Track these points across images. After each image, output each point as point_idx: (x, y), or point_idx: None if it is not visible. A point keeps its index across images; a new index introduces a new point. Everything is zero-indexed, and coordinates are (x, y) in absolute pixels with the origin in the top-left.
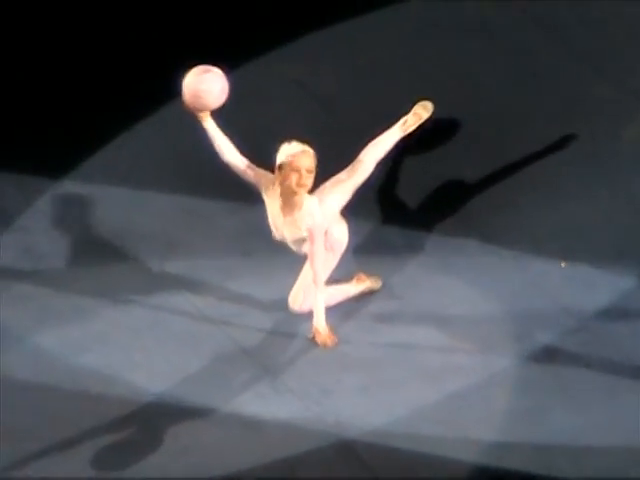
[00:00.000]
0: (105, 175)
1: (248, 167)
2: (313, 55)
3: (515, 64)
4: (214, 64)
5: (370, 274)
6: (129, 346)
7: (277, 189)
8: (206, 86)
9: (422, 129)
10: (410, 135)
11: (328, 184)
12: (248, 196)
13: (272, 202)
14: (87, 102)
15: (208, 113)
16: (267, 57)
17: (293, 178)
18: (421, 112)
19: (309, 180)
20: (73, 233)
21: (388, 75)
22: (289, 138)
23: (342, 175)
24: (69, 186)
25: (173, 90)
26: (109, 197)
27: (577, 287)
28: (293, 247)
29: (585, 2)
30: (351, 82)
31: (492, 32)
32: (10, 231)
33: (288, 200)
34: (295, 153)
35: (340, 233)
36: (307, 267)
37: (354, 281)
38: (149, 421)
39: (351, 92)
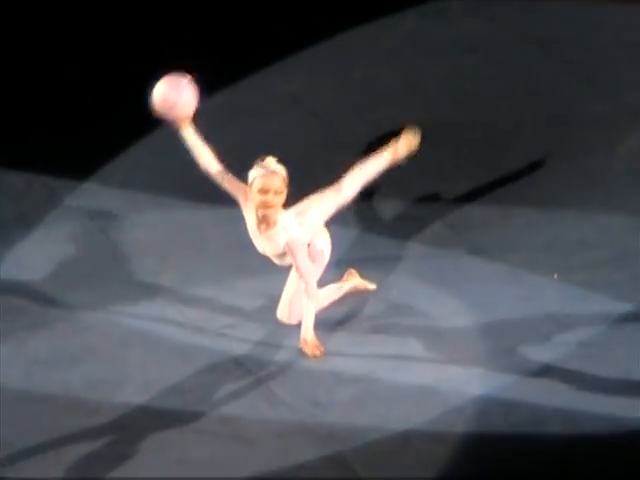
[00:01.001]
0: (100, 188)
1: (226, 179)
2: (308, 70)
3: (508, 79)
4: (210, 78)
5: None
6: (121, 357)
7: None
8: (172, 95)
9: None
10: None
11: (312, 198)
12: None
13: (250, 217)
14: (82, 116)
15: (186, 122)
16: (262, 72)
17: (262, 199)
18: (411, 139)
19: (277, 200)
20: (67, 245)
21: (384, 90)
22: (282, 153)
23: (326, 194)
24: (63, 199)
25: None
26: (104, 210)
27: (572, 301)
28: (276, 261)
29: (579, 18)
30: (347, 97)
31: (487, 48)
32: (3, 243)
33: (262, 217)
34: (264, 174)
35: (322, 244)
36: (291, 279)
37: (345, 276)
38: (141, 433)
39: (347, 107)
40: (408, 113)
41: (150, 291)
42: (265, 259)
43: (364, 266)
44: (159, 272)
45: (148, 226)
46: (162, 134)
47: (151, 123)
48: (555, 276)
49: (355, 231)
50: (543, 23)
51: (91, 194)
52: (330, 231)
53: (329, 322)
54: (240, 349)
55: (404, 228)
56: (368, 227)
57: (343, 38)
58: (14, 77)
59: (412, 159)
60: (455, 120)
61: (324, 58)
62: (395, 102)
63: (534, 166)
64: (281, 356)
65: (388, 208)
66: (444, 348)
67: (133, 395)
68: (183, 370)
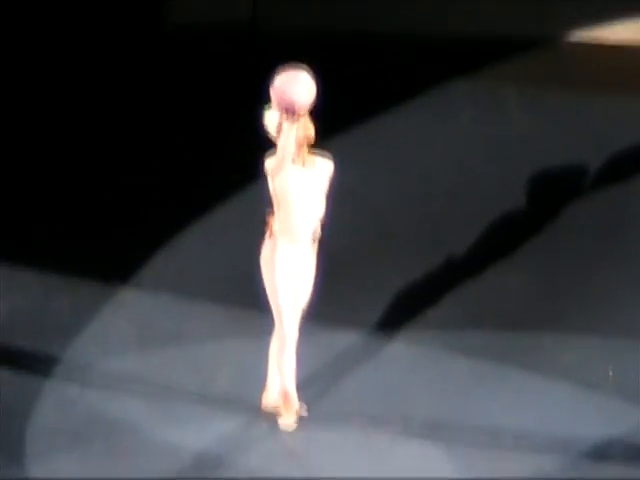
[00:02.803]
0: (155, 282)
1: None
2: (363, 163)
3: (562, 174)
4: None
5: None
6: (177, 454)
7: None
8: (289, 86)
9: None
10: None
11: None
12: None
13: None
14: (138, 212)
15: (301, 116)
16: None
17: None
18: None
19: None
20: (123, 338)
21: (438, 183)
22: (337, 242)
23: None
24: (119, 292)
25: (219, 200)
26: (159, 304)
27: (626, 398)
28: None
29: (630, 113)
30: (400, 189)
31: (541, 143)
32: (61, 336)
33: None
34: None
35: None
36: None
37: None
38: None
39: (400, 199)
40: (462, 207)
41: (205, 385)
42: (320, 351)
43: (423, 362)
44: (214, 366)
45: (203, 319)
46: (214, 226)
47: (203, 215)
48: (610, 372)
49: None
50: (596, 117)
51: (145, 286)
52: None
53: (380, 419)
54: (296, 443)
55: (457, 322)
56: (424, 322)
57: (398, 132)
58: (65, 173)
59: (466, 253)
60: (509, 215)
61: (379, 151)
62: (449, 196)
63: (587, 260)
64: (336, 451)
65: (442, 303)
66: (499, 443)
67: None
68: (239, 463)
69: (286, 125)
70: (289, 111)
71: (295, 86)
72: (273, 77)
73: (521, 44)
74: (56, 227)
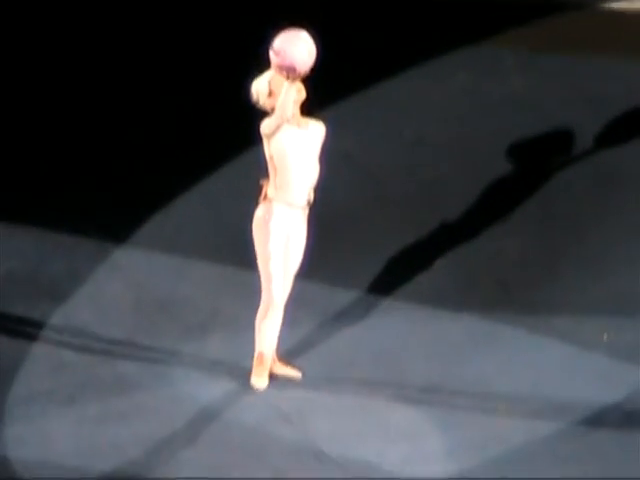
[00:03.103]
0: (148, 242)
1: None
2: (361, 126)
3: (557, 136)
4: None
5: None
6: (171, 416)
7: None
8: (289, 46)
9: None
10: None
11: None
12: None
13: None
14: (134, 173)
15: (298, 77)
16: None
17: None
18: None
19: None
20: (116, 301)
21: (434, 147)
22: (333, 207)
23: None
24: (115, 254)
25: (216, 162)
26: (153, 264)
27: (621, 360)
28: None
29: (627, 74)
30: (398, 153)
31: (537, 104)
32: (56, 298)
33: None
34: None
35: None
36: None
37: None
38: None
39: (397, 164)
40: (458, 170)
41: (201, 348)
42: (318, 317)
43: (417, 326)
44: (209, 328)
45: (197, 282)
46: (209, 188)
47: (198, 177)
48: (605, 337)
49: (406, 288)
50: (592, 79)
51: (140, 248)
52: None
53: (374, 382)
54: (290, 405)
55: (449, 288)
56: (420, 285)
57: (395, 95)
58: (60, 135)
59: (462, 215)
60: (505, 178)
61: (376, 115)
62: (446, 159)
63: (583, 222)
64: (329, 413)
65: (431, 272)
66: (494, 406)
67: (183, 454)
68: (232, 426)
69: (285, 84)
70: (290, 72)
71: (296, 46)
72: (273, 38)
73: (519, 6)
74: (51, 189)
